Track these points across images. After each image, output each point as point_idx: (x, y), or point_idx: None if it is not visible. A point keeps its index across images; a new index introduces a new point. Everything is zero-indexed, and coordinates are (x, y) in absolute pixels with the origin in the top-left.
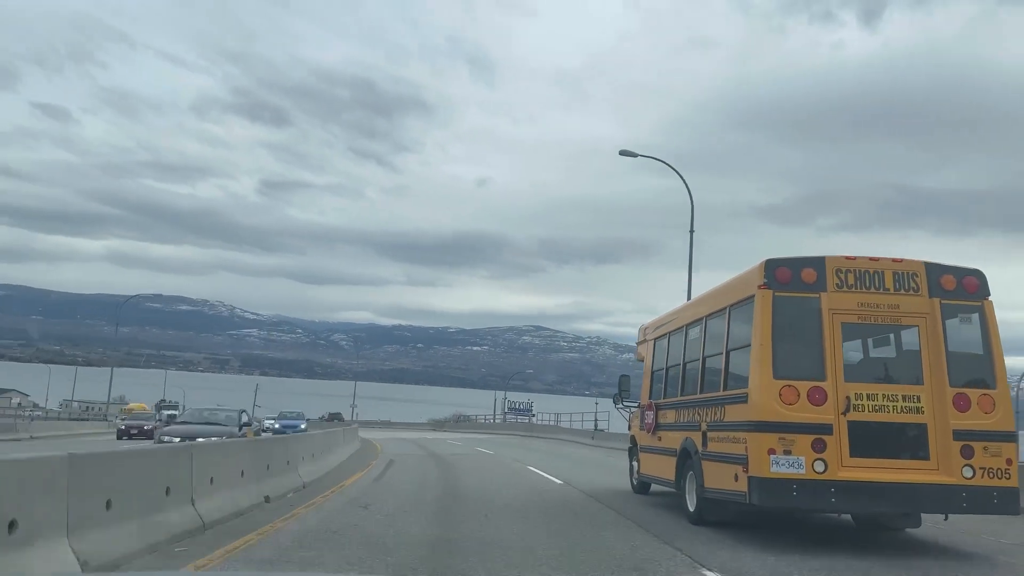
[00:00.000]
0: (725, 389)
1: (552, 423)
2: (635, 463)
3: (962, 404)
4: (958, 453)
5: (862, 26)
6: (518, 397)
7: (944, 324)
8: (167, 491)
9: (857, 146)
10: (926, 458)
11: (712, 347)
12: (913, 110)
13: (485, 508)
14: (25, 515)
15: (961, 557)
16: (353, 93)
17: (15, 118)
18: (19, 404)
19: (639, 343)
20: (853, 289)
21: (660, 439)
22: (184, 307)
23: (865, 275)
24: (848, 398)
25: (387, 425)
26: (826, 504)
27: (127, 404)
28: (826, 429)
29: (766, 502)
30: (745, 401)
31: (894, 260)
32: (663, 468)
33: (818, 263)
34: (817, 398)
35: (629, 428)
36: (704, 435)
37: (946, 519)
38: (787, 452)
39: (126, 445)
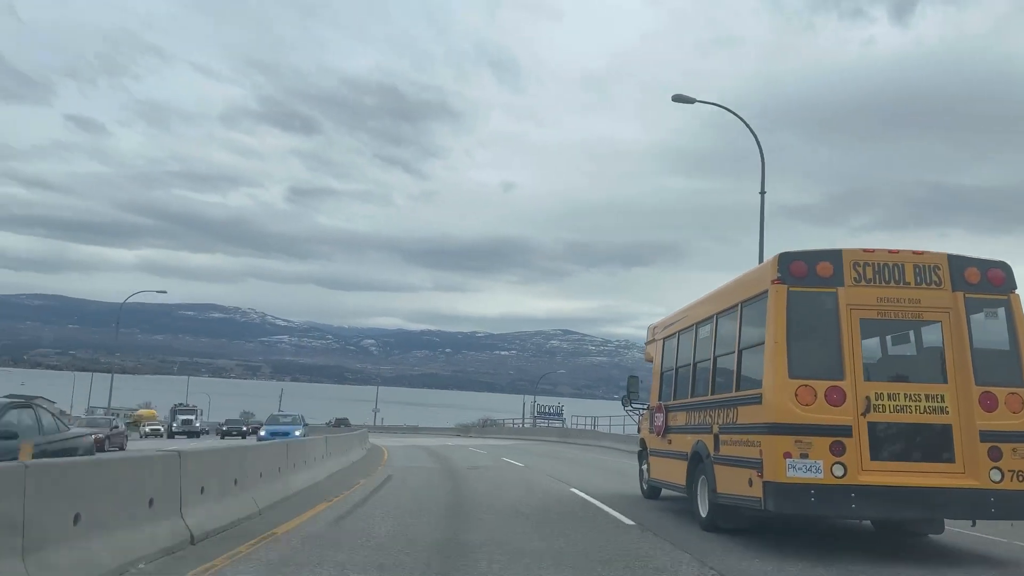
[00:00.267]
0: (738, 390)
1: (588, 427)
2: (645, 467)
3: (989, 403)
4: (985, 455)
5: (893, 22)
6: (546, 401)
7: (968, 319)
8: (151, 503)
9: (890, 144)
10: (951, 461)
11: (724, 346)
12: (946, 107)
13: None
14: None
15: (990, 565)
16: (379, 100)
17: (50, 131)
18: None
19: (648, 343)
20: (872, 283)
21: (670, 442)
22: (216, 315)
23: (884, 268)
24: (868, 398)
25: (412, 431)
26: (846, 510)
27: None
28: (845, 431)
29: (782, 508)
30: (759, 402)
31: (915, 252)
32: (674, 472)
33: (835, 256)
34: (835, 398)
35: (638, 431)
36: (716, 438)
37: (973, 525)
38: (804, 455)
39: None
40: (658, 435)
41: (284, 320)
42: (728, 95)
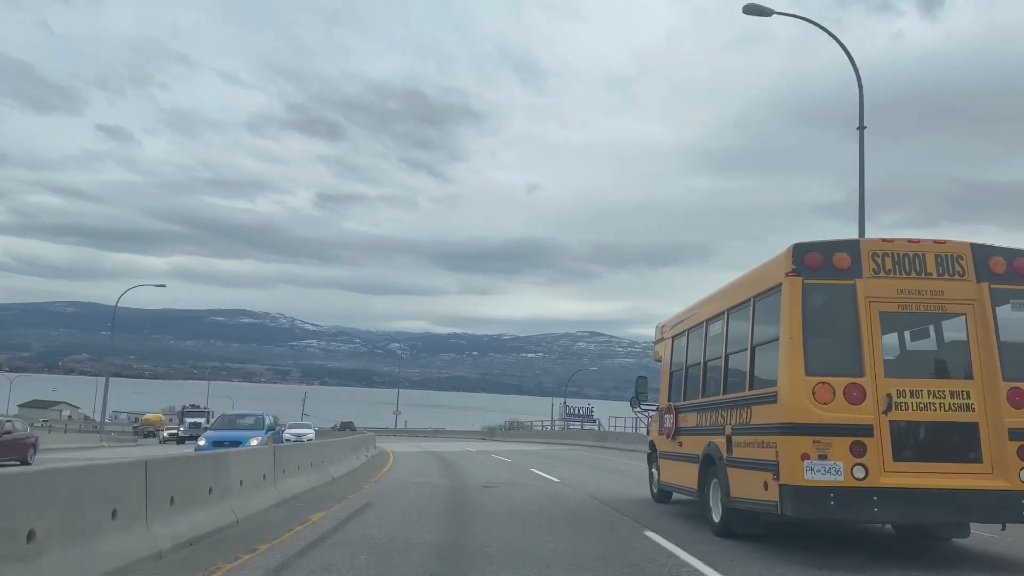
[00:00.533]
0: (751, 389)
1: (627, 430)
2: (654, 470)
3: (1017, 400)
4: (1014, 455)
5: (923, 16)
6: (575, 403)
7: (994, 311)
8: (114, 514)
9: (921, 140)
10: (979, 461)
11: (735, 343)
12: (979, 101)
13: None
14: None
15: (1021, 572)
16: (404, 104)
17: (82, 141)
18: (69, 416)
19: (656, 342)
20: (891, 274)
21: (681, 444)
22: (247, 320)
23: (904, 259)
24: (889, 396)
25: (436, 433)
26: (868, 514)
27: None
28: (866, 430)
29: (800, 513)
30: (774, 401)
31: (936, 242)
32: (684, 475)
33: (852, 246)
34: (855, 396)
35: (647, 433)
36: (729, 439)
37: (1003, 528)
38: (823, 457)
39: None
40: (668, 437)
41: (313, 324)
42: (754, 92)
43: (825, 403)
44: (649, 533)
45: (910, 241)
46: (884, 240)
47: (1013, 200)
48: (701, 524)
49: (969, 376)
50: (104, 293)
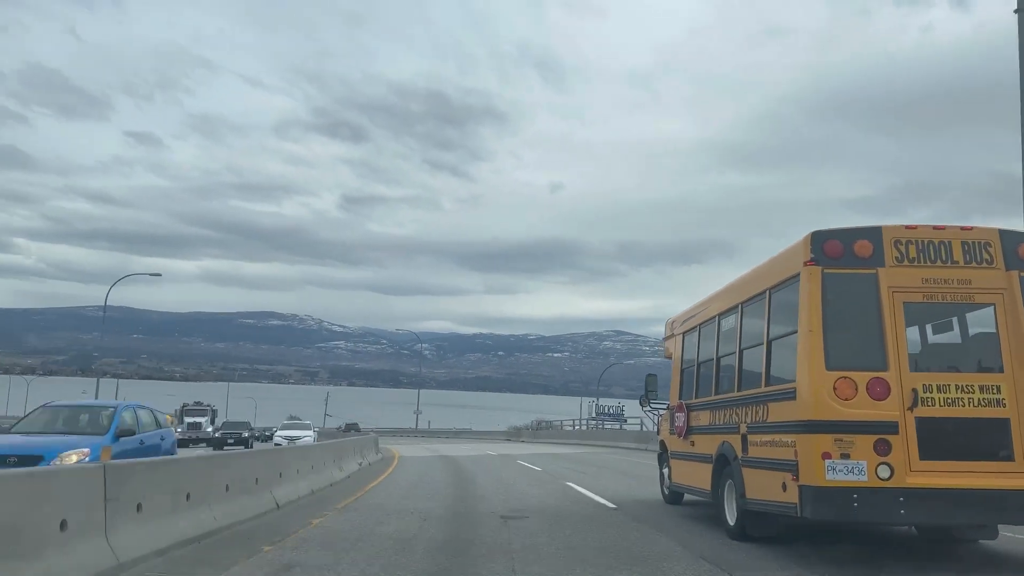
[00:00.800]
0: (767, 385)
1: None
2: (665, 470)
3: None
4: None
5: (953, 6)
6: (605, 402)
7: None
8: (63, 525)
9: (954, 133)
10: (1010, 459)
11: (750, 338)
12: (1013, 92)
13: None
14: None
15: None
16: (425, 105)
17: (110, 147)
18: None
19: (666, 338)
20: (915, 263)
21: (693, 444)
22: (275, 322)
23: (929, 246)
24: (915, 391)
25: (458, 434)
26: (894, 516)
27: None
28: (891, 428)
29: (822, 515)
30: (793, 398)
31: (962, 228)
32: (697, 476)
33: (873, 234)
34: (879, 391)
35: (658, 432)
36: (744, 438)
37: None
38: (845, 456)
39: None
40: (679, 436)
41: (340, 326)
42: (780, 87)
43: (847, 399)
44: None
45: (935, 228)
46: (907, 227)
47: None
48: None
49: (1000, 370)
50: (135, 297)
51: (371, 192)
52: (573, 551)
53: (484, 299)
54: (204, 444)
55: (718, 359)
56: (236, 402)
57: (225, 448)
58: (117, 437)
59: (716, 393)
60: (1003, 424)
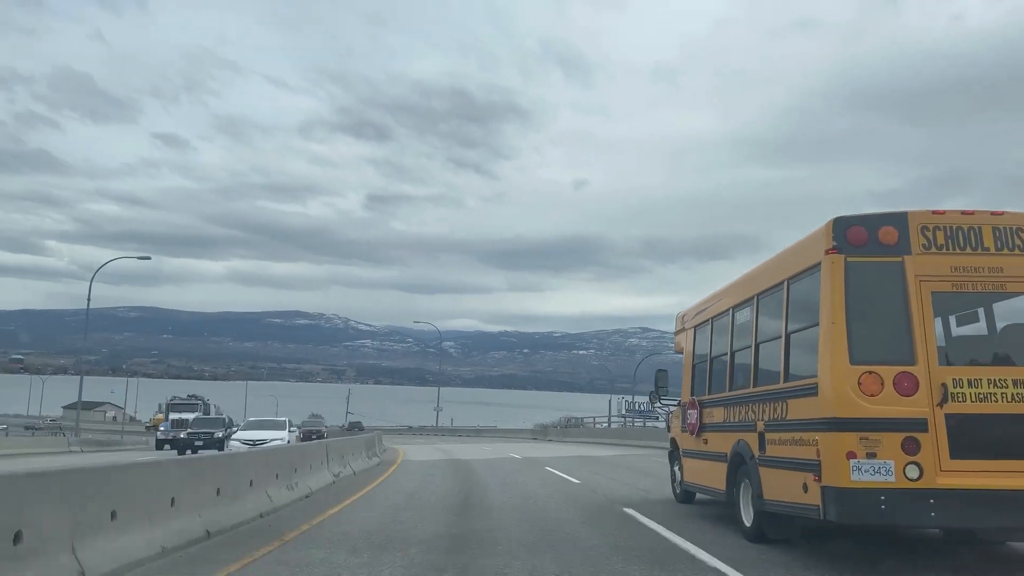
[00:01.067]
0: (786, 380)
1: None
2: (676, 469)
3: None
4: None
5: None
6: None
7: None
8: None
9: (986, 122)
10: None
11: (767, 331)
12: None
13: None
14: None
15: None
16: (449, 104)
17: (139, 150)
18: (114, 418)
19: (676, 333)
20: (944, 250)
21: (706, 442)
22: (302, 321)
23: (958, 232)
24: (945, 386)
25: (480, 433)
26: (924, 519)
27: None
28: (919, 425)
29: (846, 518)
30: (814, 394)
31: (993, 213)
32: (711, 475)
33: (899, 219)
34: (906, 387)
35: (668, 429)
36: (761, 436)
37: None
38: (871, 455)
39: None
40: (691, 434)
41: (366, 324)
42: (807, 79)
43: (872, 395)
44: None
45: (964, 213)
46: (935, 212)
47: None
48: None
49: None
50: (164, 298)
51: (395, 191)
52: None
53: (509, 297)
54: (168, 446)
55: (732, 353)
56: (257, 400)
57: (189, 452)
58: None
59: (731, 389)
60: None
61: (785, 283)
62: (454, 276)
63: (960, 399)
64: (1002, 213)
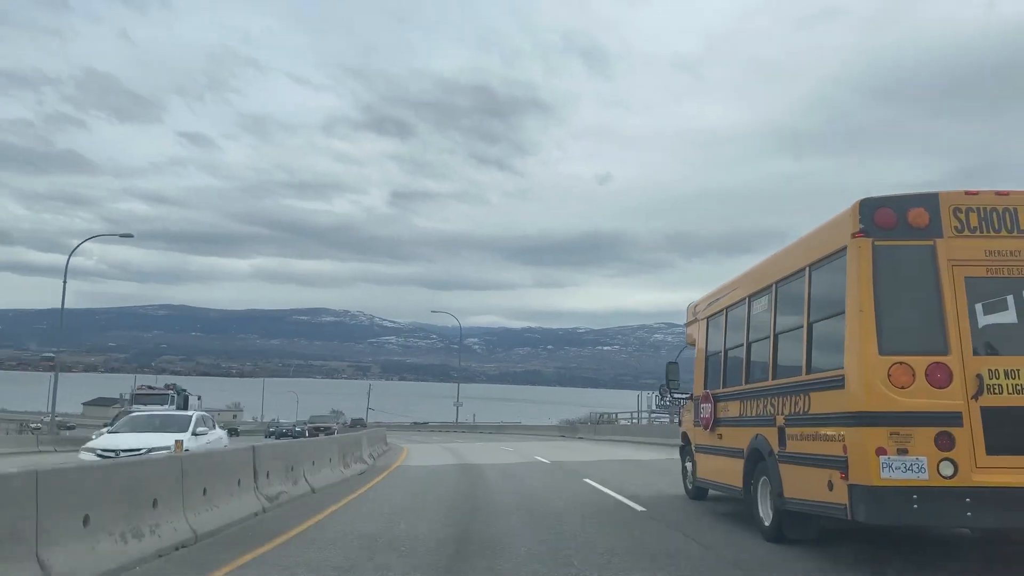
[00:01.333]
0: (809, 372)
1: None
2: (689, 464)
3: None
4: None
5: None
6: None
7: None
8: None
9: (1020, 111)
10: None
11: (787, 320)
12: None
13: None
14: None
15: None
16: (471, 99)
17: (164, 148)
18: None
19: (688, 324)
20: (977, 233)
21: (721, 437)
22: (328, 318)
23: (992, 214)
24: (980, 377)
25: (505, 429)
26: (959, 519)
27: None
28: (953, 419)
29: (876, 518)
30: (840, 386)
31: None
32: (726, 472)
33: (930, 200)
34: (939, 378)
35: (680, 424)
36: (781, 431)
37: None
38: (902, 451)
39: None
40: (705, 428)
41: (391, 321)
42: (834, 70)
43: (903, 387)
44: None
45: (998, 194)
46: (967, 193)
47: None
48: None
49: None
50: (192, 296)
51: (418, 187)
52: None
53: (533, 293)
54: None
55: (749, 345)
56: (276, 397)
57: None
58: None
59: (747, 382)
60: None
61: (807, 269)
62: (477, 273)
63: (996, 391)
64: None
